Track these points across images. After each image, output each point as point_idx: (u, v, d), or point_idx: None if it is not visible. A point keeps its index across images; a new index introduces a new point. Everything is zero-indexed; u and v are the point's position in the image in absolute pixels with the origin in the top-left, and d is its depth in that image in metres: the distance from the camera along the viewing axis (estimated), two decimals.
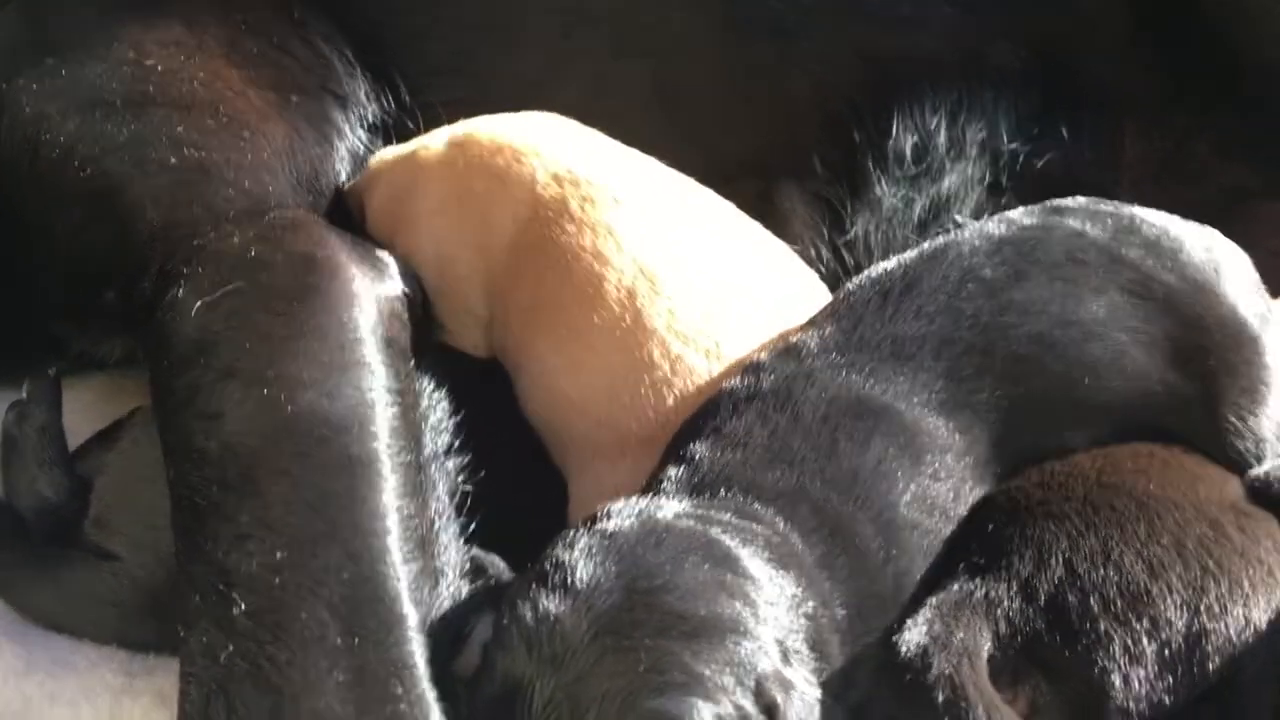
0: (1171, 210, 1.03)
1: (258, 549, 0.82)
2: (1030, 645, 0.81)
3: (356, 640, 0.80)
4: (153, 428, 0.95)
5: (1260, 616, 0.82)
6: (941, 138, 1.18)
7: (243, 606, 0.80)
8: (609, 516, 0.85)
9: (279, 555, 0.82)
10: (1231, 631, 0.81)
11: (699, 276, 1.02)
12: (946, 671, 0.78)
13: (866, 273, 1.03)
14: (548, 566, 0.81)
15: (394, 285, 1.01)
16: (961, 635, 0.80)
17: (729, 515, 0.86)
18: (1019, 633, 0.81)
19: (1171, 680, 0.80)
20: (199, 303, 0.93)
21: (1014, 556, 0.84)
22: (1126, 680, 0.80)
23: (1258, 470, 0.93)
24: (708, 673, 0.76)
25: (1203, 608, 0.81)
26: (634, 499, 0.88)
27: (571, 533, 0.84)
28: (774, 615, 0.80)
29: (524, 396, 1.05)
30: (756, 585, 0.81)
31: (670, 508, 0.86)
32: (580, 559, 0.80)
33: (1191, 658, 0.81)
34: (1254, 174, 1.22)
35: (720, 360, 0.99)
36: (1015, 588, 0.83)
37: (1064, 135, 1.20)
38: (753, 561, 0.82)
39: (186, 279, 0.95)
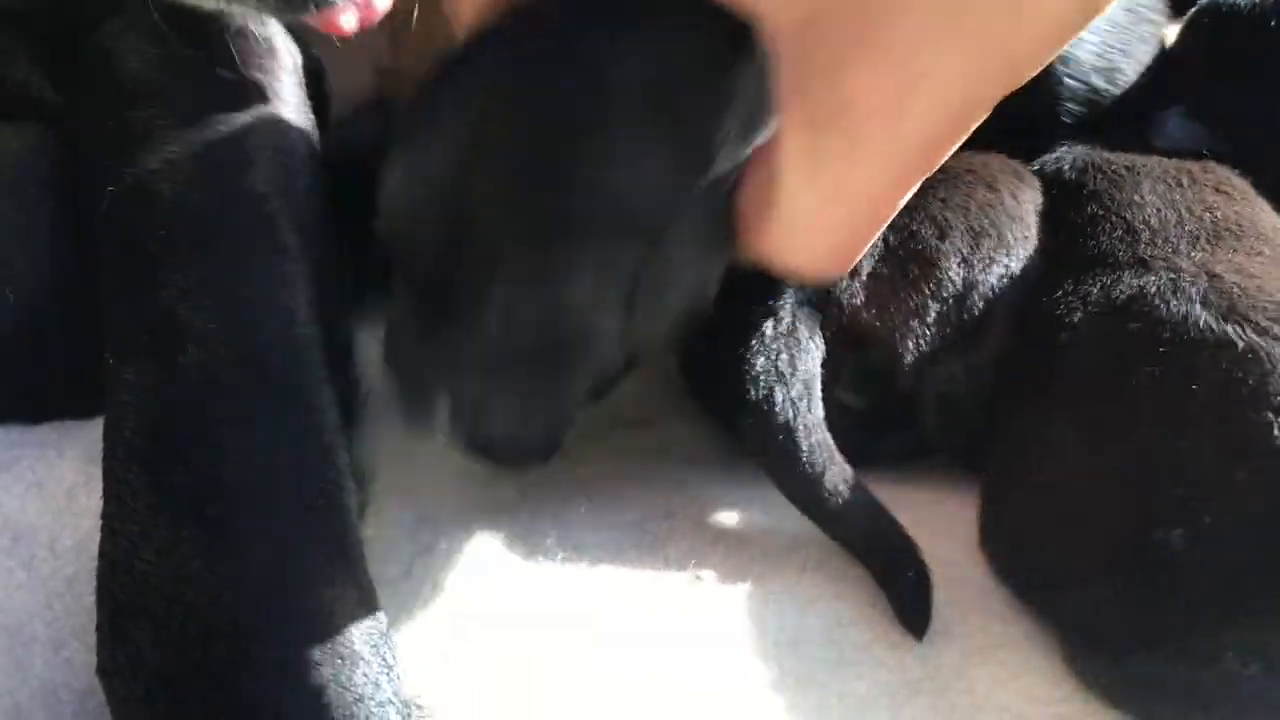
0: None
1: (202, 303, 0.79)
2: (844, 326, 0.90)
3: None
4: None
5: (1016, 266, 0.92)
6: None
7: (189, 354, 0.78)
8: None
9: (216, 312, 0.79)
10: (994, 281, 0.91)
11: None
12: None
13: None
14: None
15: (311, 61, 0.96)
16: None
17: None
18: (840, 318, 0.90)
19: (946, 329, 0.91)
20: (143, 42, 0.87)
21: None
22: (917, 337, 0.90)
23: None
24: None
25: (976, 262, 0.91)
26: None
27: None
28: None
29: None
30: None
31: None
32: None
33: (961, 308, 0.91)
34: None
35: None
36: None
37: None
38: None
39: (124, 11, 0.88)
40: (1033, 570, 0.82)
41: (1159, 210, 0.92)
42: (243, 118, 0.88)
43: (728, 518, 0.92)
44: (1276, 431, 0.72)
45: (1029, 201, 0.96)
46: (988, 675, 0.79)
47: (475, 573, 0.87)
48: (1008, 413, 0.90)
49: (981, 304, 0.91)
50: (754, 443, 0.85)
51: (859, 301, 0.89)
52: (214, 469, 0.75)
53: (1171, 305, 0.82)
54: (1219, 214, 0.92)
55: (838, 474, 0.85)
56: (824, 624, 0.83)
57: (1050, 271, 0.93)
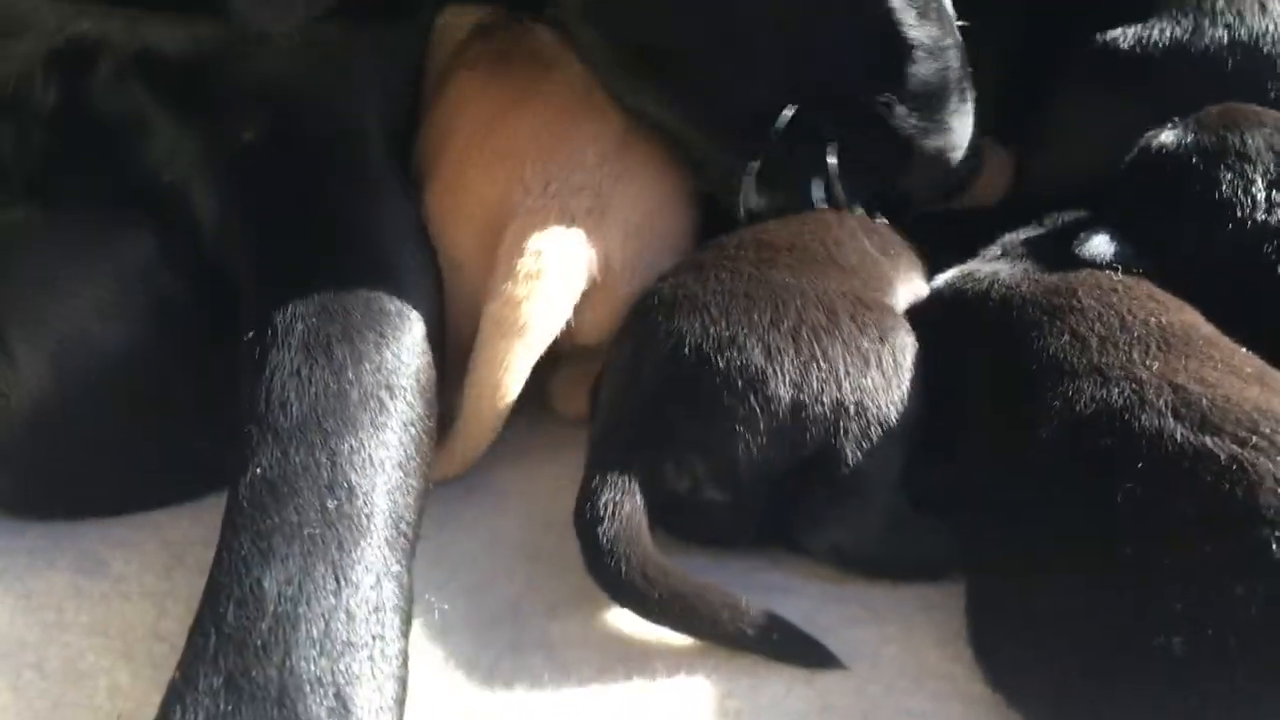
0: None
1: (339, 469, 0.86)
2: (678, 428, 0.92)
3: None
4: None
5: (849, 397, 0.91)
6: None
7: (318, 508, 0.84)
8: None
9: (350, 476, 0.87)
10: (826, 410, 0.90)
11: None
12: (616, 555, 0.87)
13: None
14: None
15: None
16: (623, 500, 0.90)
17: None
18: (670, 418, 0.92)
19: (780, 447, 0.90)
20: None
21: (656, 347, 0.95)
22: (747, 446, 0.90)
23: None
24: None
25: (805, 387, 0.91)
26: None
27: None
28: None
29: None
30: None
31: None
32: None
33: (795, 429, 0.90)
34: None
35: None
36: (659, 378, 0.94)
37: None
38: None
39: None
40: (1029, 677, 0.80)
41: (1101, 315, 0.93)
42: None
43: None
44: (1274, 546, 0.72)
45: (874, 327, 0.96)
46: None
47: (460, 693, 0.85)
48: (986, 520, 0.89)
49: (815, 430, 0.91)
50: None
51: (680, 411, 0.92)
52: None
53: (1143, 420, 0.82)
54: (1162, 320, 0.92)
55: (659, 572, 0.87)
56: None
57: (996, 384, 0.94)
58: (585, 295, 1.03)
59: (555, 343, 1.02)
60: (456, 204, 1.06)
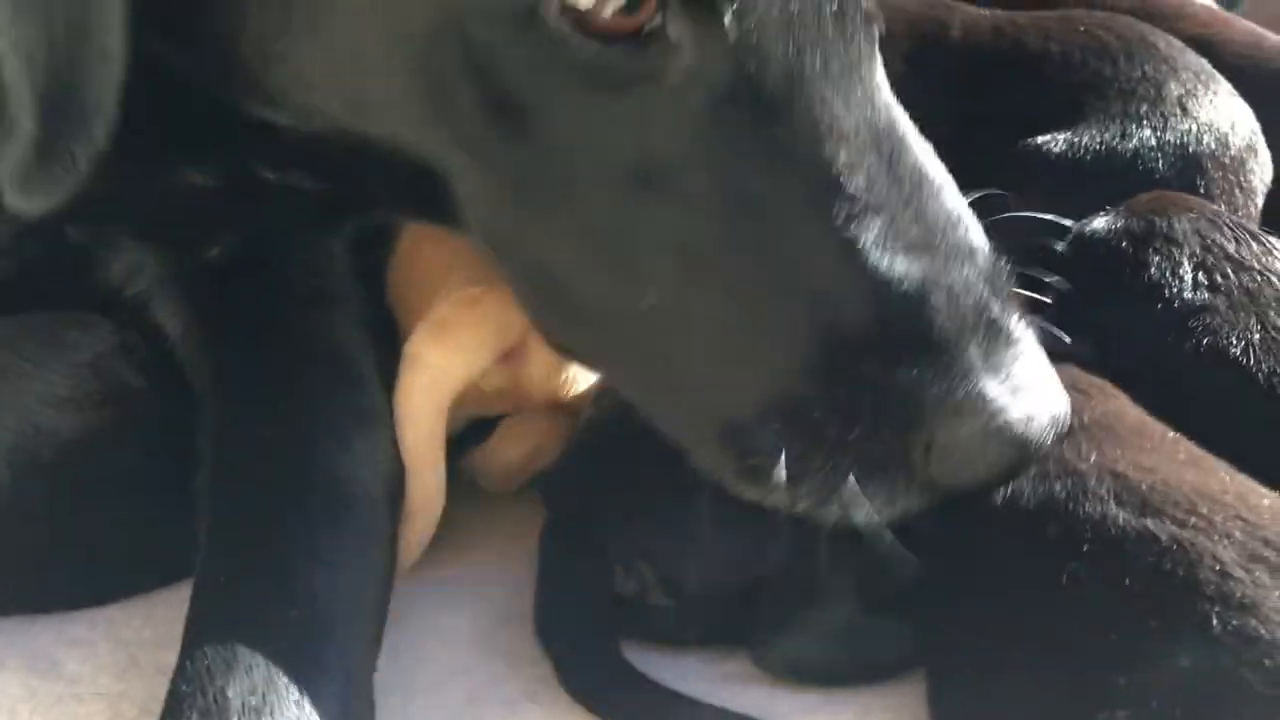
0: None
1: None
2: (627, 534, 0.93)
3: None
4: None
5: None
6: None
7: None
8: None
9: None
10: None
11: None
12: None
13: None
14: None
15: None
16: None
17: None
18: (620, 524, 0.93)
19: (727, 560, 0.90)
20: None
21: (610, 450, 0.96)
22: (684, 555, 0.90)
23: None
24: None
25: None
26: None
27: None
28: None
29: None
30: None
31: None
32: None
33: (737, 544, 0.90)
34: None
35: None
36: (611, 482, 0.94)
37: None
38: None
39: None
40: None
41: None
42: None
43: None
44: (1214, 621, 0.73)
45: None
46: None
47: None
48: (939, 611, 0.89)
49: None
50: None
51: (635, 528, 0.91)
52: None
53: (1086, 508, 0.84)
54: (1086, 418, 0.92)
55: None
56: None
57: None
58: (525, 349, 1.01)
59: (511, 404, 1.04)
60: (409, 281, 1.07)
